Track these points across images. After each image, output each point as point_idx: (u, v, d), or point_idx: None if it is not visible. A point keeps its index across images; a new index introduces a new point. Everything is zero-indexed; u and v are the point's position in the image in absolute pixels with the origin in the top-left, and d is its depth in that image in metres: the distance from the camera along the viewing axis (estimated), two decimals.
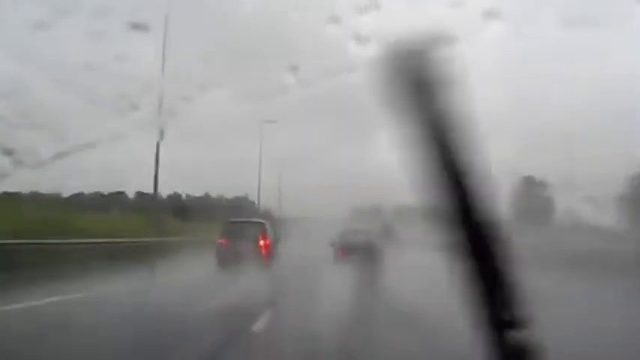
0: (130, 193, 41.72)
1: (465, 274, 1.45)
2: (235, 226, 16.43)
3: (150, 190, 21.73)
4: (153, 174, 20.76)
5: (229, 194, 44.30)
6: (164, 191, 41.42)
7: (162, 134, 17.22)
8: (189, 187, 45.34)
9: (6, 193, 22.18)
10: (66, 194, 34.64)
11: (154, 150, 20.23)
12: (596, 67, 57.95)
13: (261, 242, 15.65)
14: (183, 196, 37.83)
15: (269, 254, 15.60)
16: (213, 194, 42.89)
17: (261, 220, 17.44)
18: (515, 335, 1.42)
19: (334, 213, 48.10)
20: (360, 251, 18.22)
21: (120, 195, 38.58)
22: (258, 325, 7.15)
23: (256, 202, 40.44)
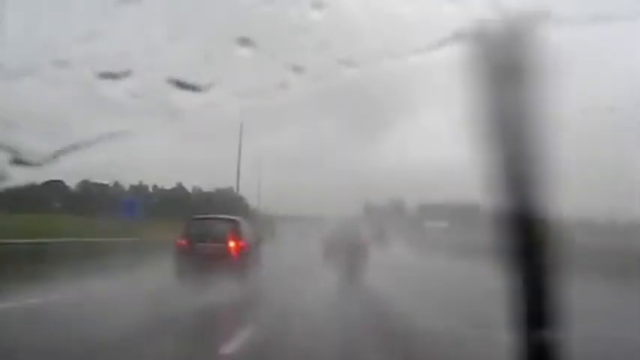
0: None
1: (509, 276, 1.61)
2: (200, 223, 13.44)
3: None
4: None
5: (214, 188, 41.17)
6: (128, 182, 38.41)
7: None
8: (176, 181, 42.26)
9: None
10: None
11: None
12: None
13: (232, 244, 12.64)
14: (150, 187, 34.68)
15: (243, 260, 12.48)
16: (189, 187, 39.66)
17: (234, 217, 14.36)
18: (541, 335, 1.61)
19: (344, 211, 45.67)
20: (349, 252, 17.93)
21: None
22: None
23: (248, 197, 37.49)
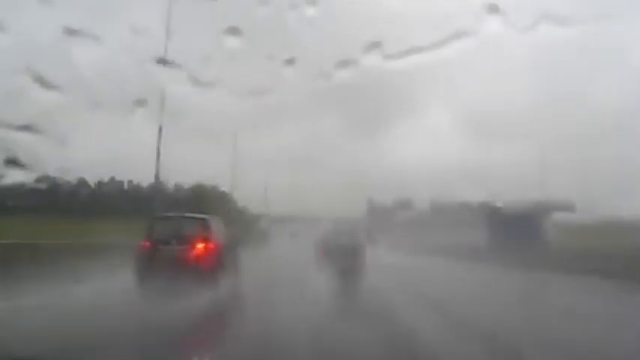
0: None
1: None
2: (165, 222, 12.28)
3: None
4: None
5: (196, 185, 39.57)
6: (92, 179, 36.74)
7: None
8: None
9: None
10: None
11: None
12: None
13: (200, 246, 11.07)
14: (125, 184, 32.98)
15: (213, 264, 11.00)
16: (170, 183, 37.97)
17: (204, 216, 12.83)
18: None
19: (345, 211, 44.08)
20: (343, 254, 17.81)
21: None
22: None
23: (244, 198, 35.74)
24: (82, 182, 34.15)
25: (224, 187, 39.13)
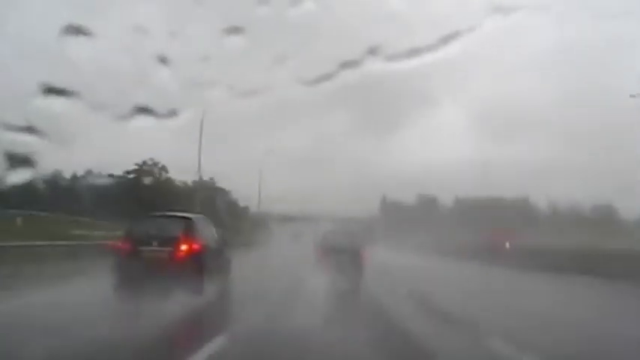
0: None
1: None
2: (146, 223, 12.01)
3: None
4: None
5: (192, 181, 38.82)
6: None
7: None
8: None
9: None
10: None
11: None
12: None
13: (184, 247, 10.26)
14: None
15: (198, 267, 10.85)
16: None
17: (189, 215, 12.10)
18: None
19: (357, 210, 43.31)
20: (341, 255, 17.29)
21: None
22: None
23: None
24: (57, 175, 33.05)
25: (224, 186, 38.42)
